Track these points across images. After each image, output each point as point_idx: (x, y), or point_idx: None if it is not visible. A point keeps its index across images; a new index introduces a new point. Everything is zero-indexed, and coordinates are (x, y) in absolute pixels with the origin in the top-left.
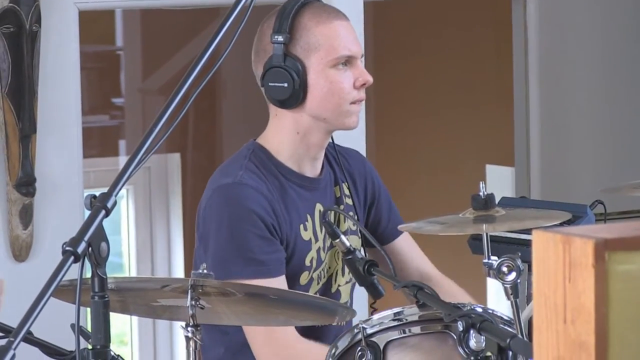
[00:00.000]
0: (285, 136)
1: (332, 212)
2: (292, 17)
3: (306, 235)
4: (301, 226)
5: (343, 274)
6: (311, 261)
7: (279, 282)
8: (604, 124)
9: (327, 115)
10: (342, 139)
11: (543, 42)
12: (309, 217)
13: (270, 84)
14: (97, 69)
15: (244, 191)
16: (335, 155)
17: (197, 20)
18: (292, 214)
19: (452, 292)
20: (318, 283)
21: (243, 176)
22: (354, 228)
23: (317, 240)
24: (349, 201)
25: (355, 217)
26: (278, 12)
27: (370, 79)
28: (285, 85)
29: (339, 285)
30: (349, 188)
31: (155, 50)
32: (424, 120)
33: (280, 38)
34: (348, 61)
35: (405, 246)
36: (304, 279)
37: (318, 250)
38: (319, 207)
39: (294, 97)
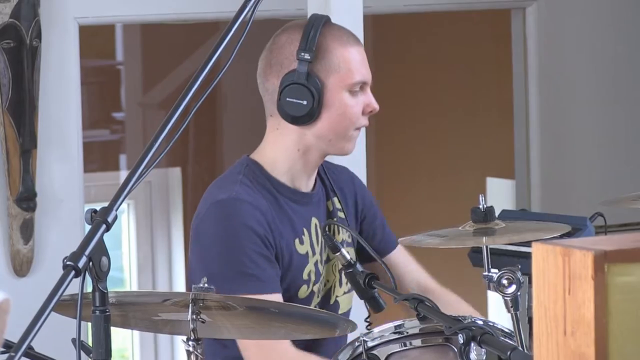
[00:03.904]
0: (284, 151)
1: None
2: (318, 36)
3: (302, 249)
4: (296, 240)
5: (341, 285)
6: (309, 275)
7: (274, 299)
8: (603, 136)
9: (333, 137)
10: None
11: (542, 54)
12: (305, 231)
13: (288, 99)
14: (97, 84)
15: (240, 207)
16: (324, 171)
17: (196, 34)
18: (287, 228)
19: (452, 302)
20: (318, 297)
21: (239, 191)
22: (349, 240)
23: (314, 253)
24: (341, 214)
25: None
26: (304, 29)
27: (377, 107)
28: (305, 102)
29: (337, 297)
30: (340, 202)
31: (155, 65)
32: (424, 133)
33: (307, 56)
34: (362, 87)
35: (401, 260)
36: (303, 292)
37: (316, 264)
38: (314, 221)
39: (309, 115)
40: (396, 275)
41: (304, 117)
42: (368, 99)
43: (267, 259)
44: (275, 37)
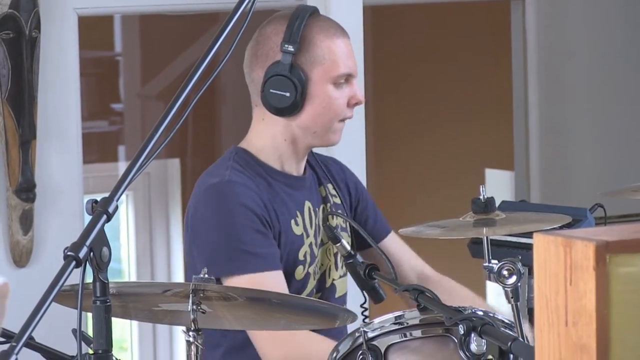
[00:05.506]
0: (272, 140)
1: (320, 212)
2: (303, 28)
3: (298, 230)
4: (292, 221)
5: (337, 269)
6: (305, 255)
7: (276, 276)
8: (603, 127)
9: (318, 129)
10: (343, 143)
11: (542, 46)
12: (298, 213)
13: (271, 90)
14: (96, 75)
15: (233, 188)
16: (315, 159)
17: (196, 25)
18: (281, 209)
19: (452, 288)
20: (314, 279)
21: (230, 175)
22: (343, 225)
23: (308, 235)
24: (337, 200)
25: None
26: (289, 20)
27: (362, 99)
28: (288, 94)
29: (333, 280)
30: (334, 188)
31: (154, 56)
32: (424, 125)
33: (290, 48)
34: (347, 79)
35: (395, 246)
36: (299, 274)
37: (310, 245)
38: (307, 204)
39: (292, 107)
40: (392, 261)
41: (287, 109)
42: (353, 90)
43: (266, 236)
44: (261, 28)
